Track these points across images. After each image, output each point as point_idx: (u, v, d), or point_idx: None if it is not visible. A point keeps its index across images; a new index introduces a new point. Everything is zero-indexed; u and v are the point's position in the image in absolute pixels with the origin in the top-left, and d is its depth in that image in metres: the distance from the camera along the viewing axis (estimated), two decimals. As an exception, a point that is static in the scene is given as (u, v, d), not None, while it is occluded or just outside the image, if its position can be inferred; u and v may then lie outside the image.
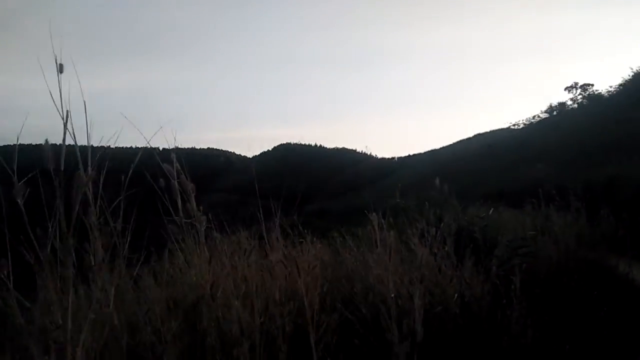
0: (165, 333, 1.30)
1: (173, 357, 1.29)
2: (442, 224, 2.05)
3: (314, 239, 2.01)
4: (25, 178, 1.28)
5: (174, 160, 1.44)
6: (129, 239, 1.32)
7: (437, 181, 2.38)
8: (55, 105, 1.26)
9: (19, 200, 1.27)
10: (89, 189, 1.24)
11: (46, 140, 1.17)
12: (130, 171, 1.36)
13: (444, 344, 1.69)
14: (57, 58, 1.21)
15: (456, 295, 1.88)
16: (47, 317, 1.16)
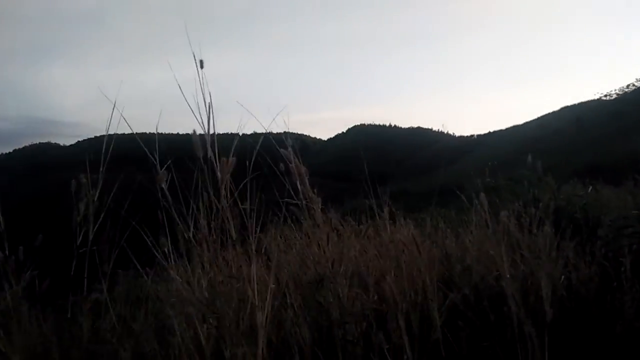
0: (294, 304, 1.52)
1: (304, 327, 1.51)
2: (540, 204, 2.08)
3: (406, 220, 2.15)
4: (165, 165, 1.52)
5: (290, 145, 1.62)
6: (260, 220, 1.53)
7: (530, 158, 2.39)
8: (185, 97, 1.47)
9: (163, 186, 1.51)
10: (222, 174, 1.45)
11: (194, 131, 1.37)
12: (254, 157, 1.56)
13: (560, 327, 1.78)
14: (196, 55, 1.40)
15: (562, 277, 1.95)
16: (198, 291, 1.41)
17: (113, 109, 1.46)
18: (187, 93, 1.44)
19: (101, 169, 1.49)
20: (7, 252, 1.47)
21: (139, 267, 1.53)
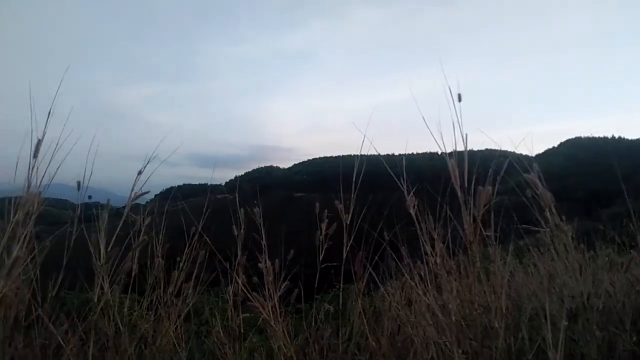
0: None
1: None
2: None
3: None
4: (414, 188, 1.77)
5: (535, 170, 1.73)
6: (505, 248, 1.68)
7: None
8: (427, 124, 1.70)
9: (411, 211, 1.77)
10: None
11: (449, 154, 1.59)
12: (492, 178, 1.72)
13: None
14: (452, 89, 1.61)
15: None
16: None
17: (363, 139, 1.76)
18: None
19: (352, 195, 1.81)
20: (267, 263, 1.89)
21: (381, 286, 1.82)
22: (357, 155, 1.92)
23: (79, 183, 1.63)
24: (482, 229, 1.70)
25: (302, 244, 2.14)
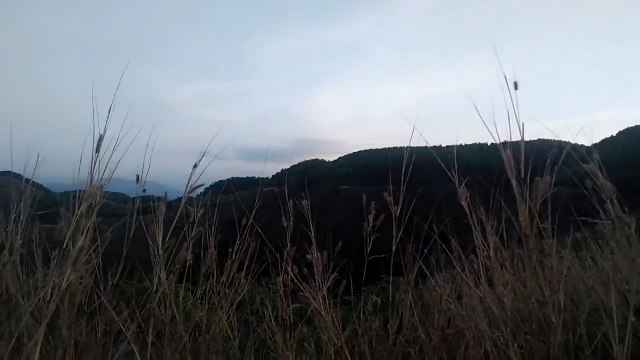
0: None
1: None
2: None
3: None
4: (465, 180, 1.79)
5: (596, 160, 1.71)
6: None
7: None
8: (482, 118, 1.70)
9: (463, 203, 1.79)
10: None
11: (503, 145, 1.60)
12: (550, 169, 1.71)
13: None
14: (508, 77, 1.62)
15: None
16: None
17: (413, 131, 1.79)
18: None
19: (402, 187, 1.85)
20: (316, 254, 1.96)
21: (430, 278, 1.86)
22: (405, 148, 1.95)
23: (138, 177, 1.74)
24: (539, 222, 1.70)
25: (350, 237, 2.20)
